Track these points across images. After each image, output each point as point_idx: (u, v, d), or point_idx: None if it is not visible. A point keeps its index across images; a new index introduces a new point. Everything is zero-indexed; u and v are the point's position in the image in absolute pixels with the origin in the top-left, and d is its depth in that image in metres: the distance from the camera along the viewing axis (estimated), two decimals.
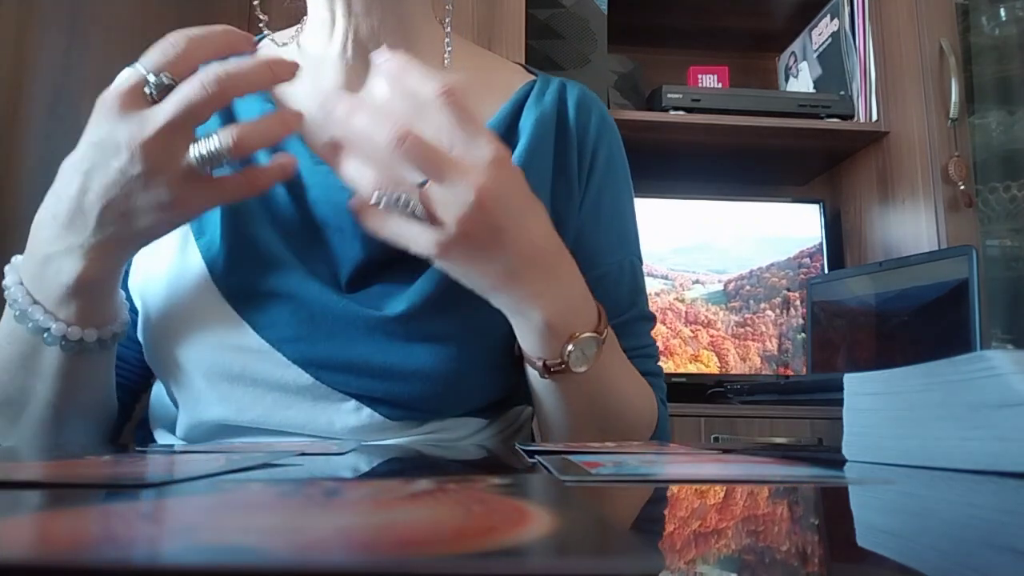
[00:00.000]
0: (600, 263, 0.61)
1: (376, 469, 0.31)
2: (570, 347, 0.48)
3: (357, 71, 0.58)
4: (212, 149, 0.42)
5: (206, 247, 0.52)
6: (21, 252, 0.48)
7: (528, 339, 0.49)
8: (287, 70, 0.46)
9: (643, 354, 0.63)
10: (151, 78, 0.43)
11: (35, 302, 0.46)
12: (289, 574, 0.10)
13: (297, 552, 0.11)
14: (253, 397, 0.51)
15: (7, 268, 0.49)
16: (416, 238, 0.43)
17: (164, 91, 0.43)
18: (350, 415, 0.51)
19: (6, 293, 0.48)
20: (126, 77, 0.43)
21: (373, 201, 0.43)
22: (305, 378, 0.50)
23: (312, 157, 0.54)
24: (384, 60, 0.45)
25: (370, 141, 0.42)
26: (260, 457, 0.31)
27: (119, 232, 0.44)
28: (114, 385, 0.55)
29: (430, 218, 0.42)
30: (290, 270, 0.51)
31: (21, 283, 0.47)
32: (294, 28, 0.63)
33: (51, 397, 0.49)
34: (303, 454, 0.34)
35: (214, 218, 0.53)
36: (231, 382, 0.51)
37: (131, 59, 0.44)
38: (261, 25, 0.61)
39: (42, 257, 0.46)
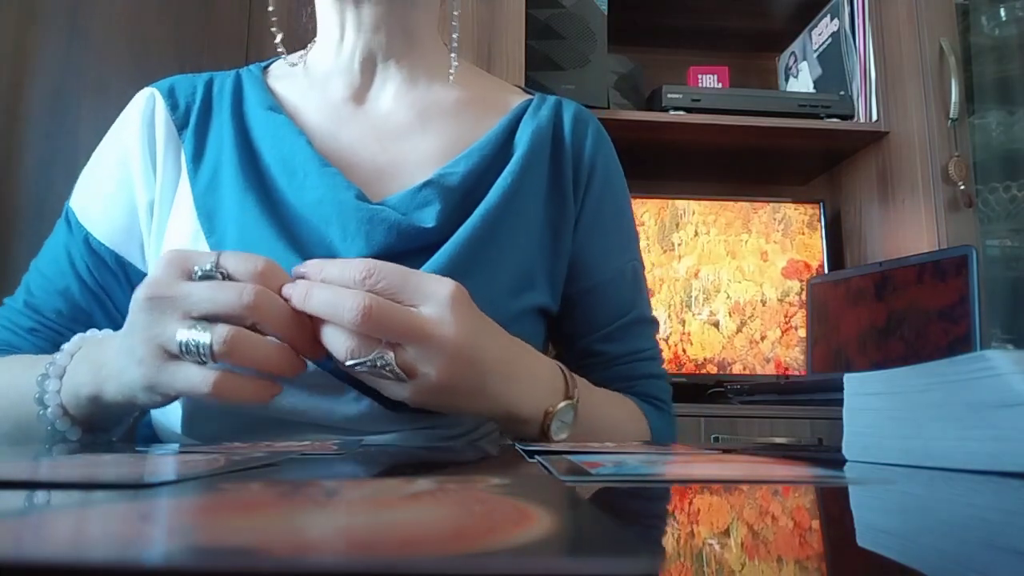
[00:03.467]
0: (601, 272, 0.63)
1: (376, 469, 0.31)
2: (549, 422, 0.49)
3: (363, 83, 0.62)
4: (200, 342, 0.40)
5: (216, 245, 0.54)
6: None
7: (510, 431, 0.51)
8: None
9: (644, 357, 0.63)
10: (207, 267, 0.41)
11: (60, 377, 0.47)
12: (289, 574, 0.10)
13: (297, 553, 0.11)
14: None
15: (79, 335, 0.49)
16: (395, 392, 0.44)
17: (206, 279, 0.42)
18: (350, 404, 0.52)
19: (62, 348, 0.48)
20: (167, 262, 0.42)
21: (347, 365, 0.42)
22: (307, 366, 0.51)
23: (320, 160, 0.56)
24: (299, 272, 0.44)
25: (335, 315, 0.41)
26: (260, 457, 0.31)
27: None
28: None
29: (408, 374, 0.42)
30: (294, 266, 0.52)
31: (72, 356, 0.48)
32: (300, 53, 0.66)
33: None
34: (303, 454, 0.34)
35: (224, 217, 0.55)
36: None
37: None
38: (280, 50, 0.63)
39: (87, 357, 0.46)
